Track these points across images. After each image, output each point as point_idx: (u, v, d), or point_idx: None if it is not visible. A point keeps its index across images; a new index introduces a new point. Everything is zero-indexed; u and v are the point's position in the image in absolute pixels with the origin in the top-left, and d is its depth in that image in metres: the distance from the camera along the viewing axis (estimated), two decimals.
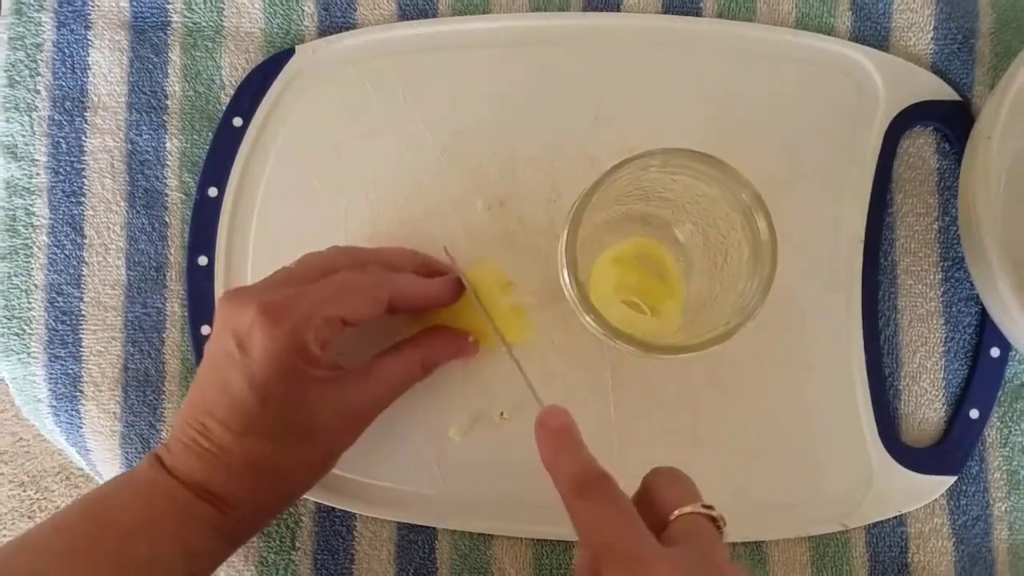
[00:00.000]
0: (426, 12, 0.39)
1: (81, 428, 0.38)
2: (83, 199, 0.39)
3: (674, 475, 0.27)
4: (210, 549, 0.30)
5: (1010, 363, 0.38)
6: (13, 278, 0.38)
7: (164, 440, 0.32)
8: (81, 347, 0.38)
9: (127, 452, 0.38)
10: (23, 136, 0.39)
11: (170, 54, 0.39)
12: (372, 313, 0.31)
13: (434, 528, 0.37)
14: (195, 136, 0.39)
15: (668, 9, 0.39)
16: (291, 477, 0.31)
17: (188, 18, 0.39)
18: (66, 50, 0.39)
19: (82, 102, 0.39)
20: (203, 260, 0.38)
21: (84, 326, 0.38)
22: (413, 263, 0.35)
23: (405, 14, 0.39)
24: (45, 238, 0.38)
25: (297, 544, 0.37)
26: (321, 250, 0.33)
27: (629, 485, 0.34)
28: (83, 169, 0.39)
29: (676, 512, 0.25)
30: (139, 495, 0.30)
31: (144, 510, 0.29)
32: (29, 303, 0.38)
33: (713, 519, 0.25)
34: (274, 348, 0.28)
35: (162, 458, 0.30)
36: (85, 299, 0.38)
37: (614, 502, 0.25)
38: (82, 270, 0.38)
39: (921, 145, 0.39)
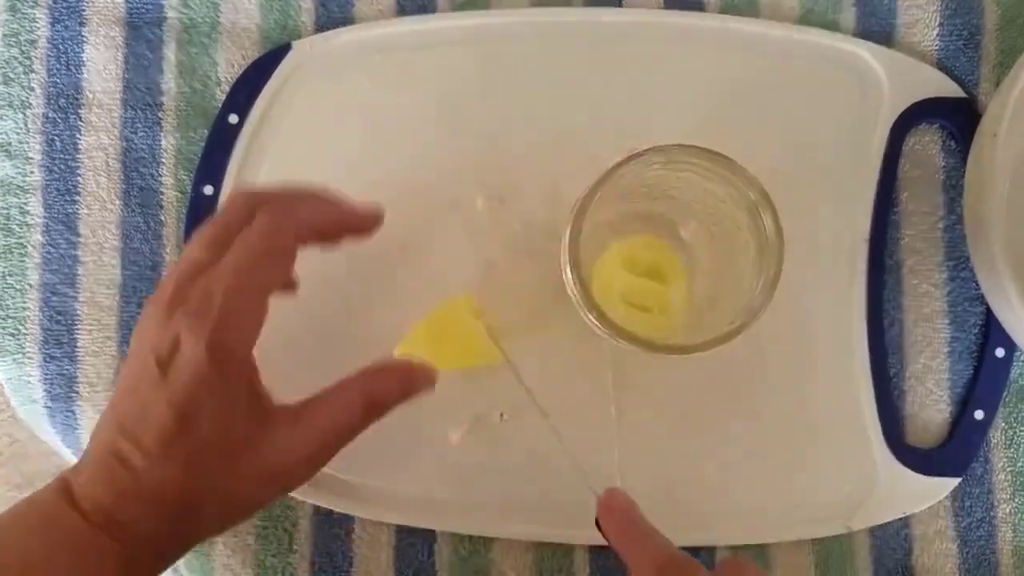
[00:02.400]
0: (425, 7, 0.39)
1: (77, 429, 0.37)
2: (78, 197, 0.38)
3: (744, 566, 0.27)
4: None
5: (1016, 364, 0.38)
6: (7, 277, 0.38)
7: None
8: (76, 347, 0.38)
9: None
10: (17, 134, 0.38)
11: (165, 50, 0.39)
12: (285, 267, 0.28)
13: (433, 531, 0.37)
14: (191, 133, 0.39)
15: (670, 4, 0.39)
16: (203, 511, 0.28)
17: (183, 14, 0.39)
18: (60, 47, 0.39)
19: (76, 99, 0.39)
20: None
21: (79, 326, 0.38)
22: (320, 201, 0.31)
23: (404, 9, 0.39)
24: (39, 237, 0.38)
25: (295, 547, 0.37)
26: (214, 217, 0.30)
27: (629, 486, 0.33)
28: (77, 167, 0.38)
29: None
30: (37, 528, 0.27)
31: (40, 545, 0.27)
32: (24, 303, 0.38)
33: None
34: (197, 363, 0.26)
35: (70, 484, 0.28)
36: (80, 299, 0.38)
37: None
38: (77, 269, 0.38)
39: (927, 143, 0.39)
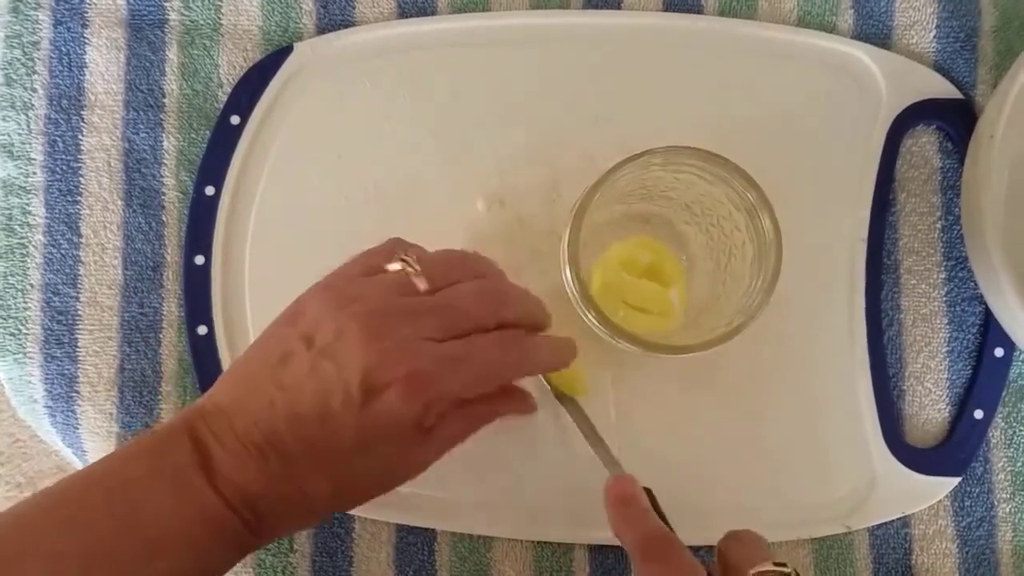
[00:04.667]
0: (425, 10, 0.39)
1: (77, 429, 0.37)
2: (79, 198, 0.38)
3: (747, 536, 0.28)
4: (225, 567, 0.28)
5: (1014, 363, 0.38)
6: (9, 277, 0.38)
7: (206, 410, 0.27)
8: (77, 347, 0.38)
9: None
10: (19, 135, 0.38)
11: (167, 52, 0.39)
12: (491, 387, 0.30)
13: (433, 530, 0.37)
14: (192, 134, 0.39)
15: (669, 7, 0.39)
16: (328, 513, 0.30)
17: (185, 16, 0.39)
18: (63, 48, 0.39)
19: (79, 100, 0.39)
20: (200, 259, 0.38)
21: (80, 326, 0.38)
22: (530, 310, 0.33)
23: (404, 12, 0.39)
24: (41, 237, 0.38)
25: (295, 546, 0.37)
26: (439, 255, 0.31)
27: None
28: (80, 168, 0.39)
29: (751, 571, 0.26)
30: (170, 499, 0.26)
31: (172, 519, 0.26)
32: (25, 303, 0.38)
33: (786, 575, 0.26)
34: (402, 418, 0.27)
35: (211, 453, 0.26)
36: (81, 299, 0.38)
37: (679, 561, 0.26)
38: (78, 269, 0.38)
39: (924, 144, 0.39)
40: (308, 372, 0.27)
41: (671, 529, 0.29)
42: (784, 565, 0.26)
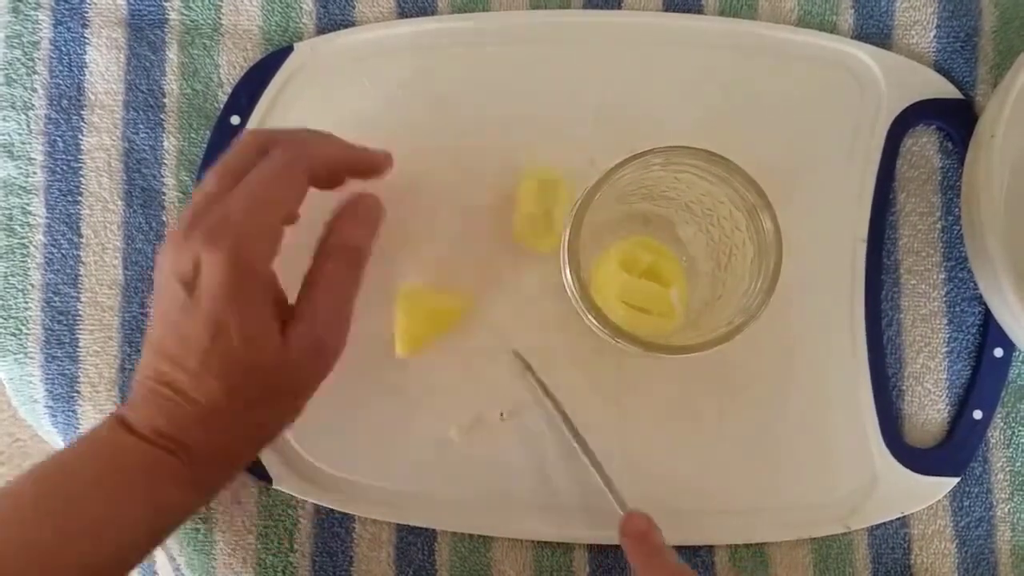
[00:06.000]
0: (425, 10, 0.39)
1: (78, 429, 0.37)
2: (80, 198, 0.38)
3: None
4: (179, 501, 0.30)
5: (1014, 363, 0.38)
6: (10, 278, 0.38)
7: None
8: (78, 347, 0.38)
9: None
10: (20, 135, 0.38)
11: (167, 52, 0.39)
12: (298, 195, 0.30)
13: (434, 530, 0.37)
14: (192, 134, 0.39)
15: (669, 7, 0.39)
16: (250, 419, 0.30)
17: (186, 16, 0.39)
18: (63, 48, 0.39)
19: (79, 100, 0.39)
20: None
21: (81, 326, 0.38)
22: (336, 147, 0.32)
23: (404, 11, 0.39)
24: (42, 237, 0.38)
25: (295, 546, 0.37)
26: (226, 152, 0.31)
27: (629, 486, 0.34)
28: (80, 168, 0.39)
29: None
30: (106, 458, 0.29)
31: (113, 472, 0.28)
32: (26, 303, 0.38)
33: None
34: (220, 276, 0.27)
35: (123, 416, 0.29)
36: (82, 299, 0.38)
37: None
38: (79, 269, 0.38)
39: (924, 144, 0.39)
40: (154, 318, 0.29)
41: None
42: None
